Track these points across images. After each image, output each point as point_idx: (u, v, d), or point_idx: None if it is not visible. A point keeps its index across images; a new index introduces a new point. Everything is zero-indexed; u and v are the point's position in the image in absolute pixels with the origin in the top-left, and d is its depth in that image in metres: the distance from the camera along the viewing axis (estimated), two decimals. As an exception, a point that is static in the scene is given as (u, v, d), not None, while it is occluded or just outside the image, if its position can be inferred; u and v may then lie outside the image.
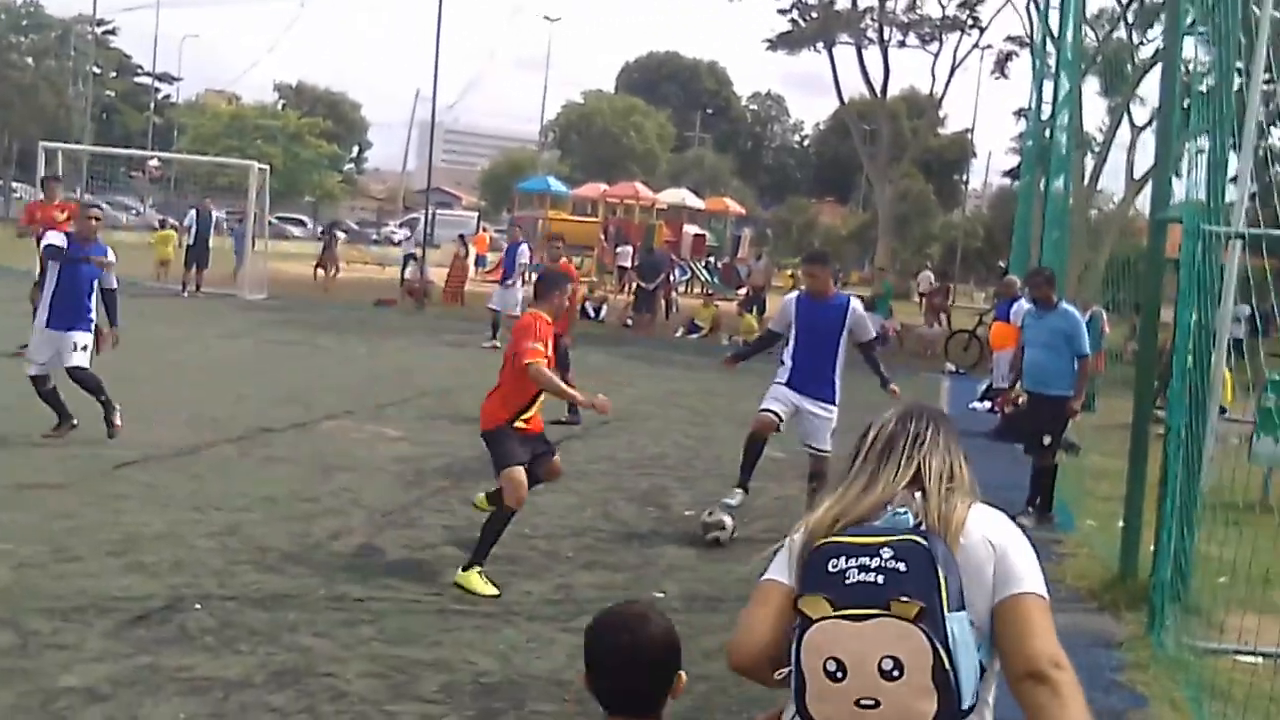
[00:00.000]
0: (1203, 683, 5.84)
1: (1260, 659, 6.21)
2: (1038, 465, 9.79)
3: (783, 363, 8.65)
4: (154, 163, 58.35)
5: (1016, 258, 21.22)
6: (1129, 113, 33.33)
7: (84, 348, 9.70)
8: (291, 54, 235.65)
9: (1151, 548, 7.07)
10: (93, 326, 9.86)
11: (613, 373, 17.41)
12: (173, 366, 14.71)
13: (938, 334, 27.73)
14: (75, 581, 6.20)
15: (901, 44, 37.47)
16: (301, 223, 61.40)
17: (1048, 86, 19.28)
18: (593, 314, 27.82)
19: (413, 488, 9.12)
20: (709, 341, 24.69)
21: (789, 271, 46.96)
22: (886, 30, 36.24)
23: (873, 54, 35.82)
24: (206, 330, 19.04)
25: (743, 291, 32.51)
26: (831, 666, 2.24)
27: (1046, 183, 18.52)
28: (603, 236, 40.20)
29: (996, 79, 40.32)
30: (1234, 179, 7.20)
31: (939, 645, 2.20)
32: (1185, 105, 7.83)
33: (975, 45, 37.97)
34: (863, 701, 2.22)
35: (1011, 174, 62.45)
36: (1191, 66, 7.87)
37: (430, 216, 34.08)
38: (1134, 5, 31.01)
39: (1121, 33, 32.20)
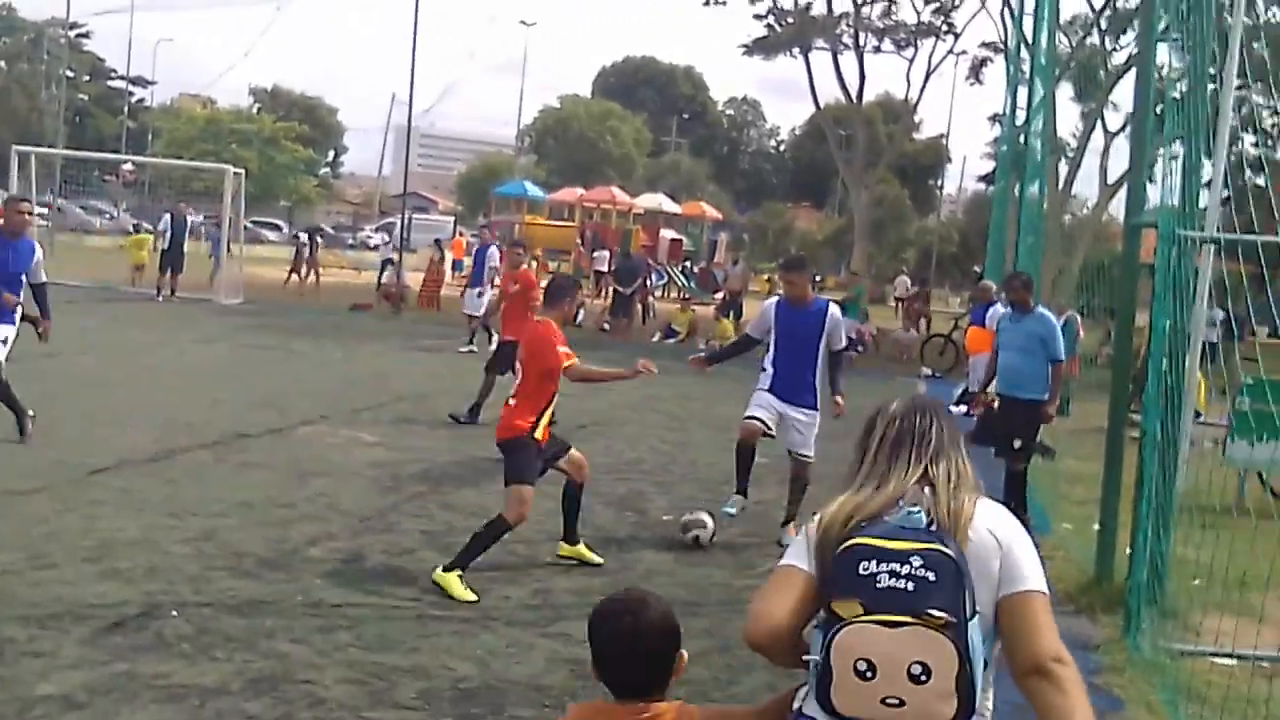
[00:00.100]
0: (1179, 685, 5.87)
1: (1236, 661, 6.25)
2: (1010, 469, 9.82)
3: (764, 369, 8.66)
4: (128, 167, 58.08)
5: (992, 263, 21.36)
6: (1102, 118, 33.53)
7: (3, 341, 9.56)
8: (267, 58, 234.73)
9: (1127, 551, 7.10)
10: (16, 320, 9.70)
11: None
12: (147, 371, 14.64)
13: (914, 338, 27.81)
14: (51, 588, 6.15)
15: (877, 49, 37.64)
16: (277, 227, 61.09)
17: (1022, 92, 19.43)
18: (570, 319, 27.79)
19: (390, 493, 9.09)
20: (686, 346, 24.71)
21: (765, 276, 47.10)
22: (862, 36, 36.39)
23: (848, 59, 36.03)
24: (181, 335, 18.94)
25: (719, 296, 32.51)
26: (862, 666, 2.38)
27: (1021, 188, 18.62)
28: (579, 241, 40.14)
29: (971, 85, 40.59)
30: (1207, 184, 7.25)
31: (963, 653, 2.35)
32: (1159, 111, 7.88)
33: (950, 51, 38.35)
34: (888, 700, 2.36)
35: (986, 179, 62.56)
36: (1165, 72, 7.92)
37: (406, 221, 33.99)
38: (1107, 11, 31.19)
39: (1095, 39, 32.42)
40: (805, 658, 2.58)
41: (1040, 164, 17.10)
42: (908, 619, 2.35)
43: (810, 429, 8.54)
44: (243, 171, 28.81)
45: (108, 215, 56.82)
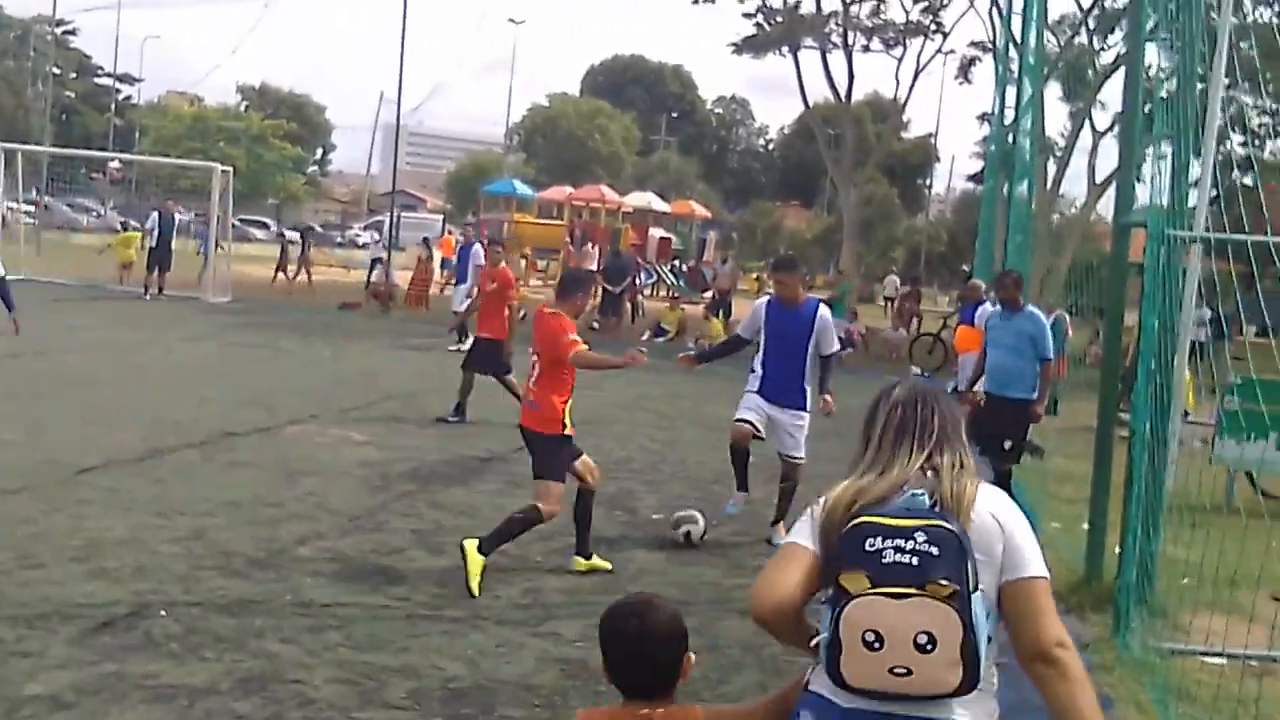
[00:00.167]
0: (1168, 684, 5.88)
1: (1225, 660, 6.27)
2: (997, 469, 9.81)
3: (754, 370, 8.65)
4: (115, 164, 57.89)
5: (980, 262, 21.37)
6: (1090, 118, 33.60)
7: None
8: (255, 56, 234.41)
9: (1116, 550, 7.12)
10: None
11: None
12: (135, 370, 14.59)
13: (902, 337, 27.88)
14: (39, 588, 6.13)
15: (866, 48, 37.66)
16: (265, 225, 60.93)
17: (1010, 91, 19.43)
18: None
19: (379, 492, 9.07)
20: (675, 345, 24.70)
21: (754, 275, 47.11)
22: (851, 35, 36.40)
23: (837, 58, 35.99)
24: (169, 333, 18.88)
25: (708, 295, 32.54)
26: (870, 638, 2.47)
27: (1010, 187, 18.66)
28: (568, 240, 40.13)
29: (960, 84, 40.73)
30: (1195, 183, 7.27)
31: (967, 623, 2.45)
32: (1147, 110, 7.89)
33: (939, 50, 38.44)
34: (896, 670, 2.46)
35: (975, 178, 62.84)
36: (1153, 72, 7.94)
37: (395, 219, 33.94)
38: (1095, 11, 31.26)
39: (1083, 38, 32.48)
40: (813, 639, 2.66)
41: (1029, 163, 17.13)
42: (913, 590, 2.45)
43: (799, 431, 8.53)
44: (230, 169, 28.71)
45: (95, 213, 56.58)
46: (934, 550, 2.48)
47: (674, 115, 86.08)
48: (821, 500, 2.81)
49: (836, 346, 8.68)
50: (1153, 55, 8.02)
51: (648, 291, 35.83)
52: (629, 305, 28.42)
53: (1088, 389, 12.66)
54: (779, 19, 37.41)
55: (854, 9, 36.27)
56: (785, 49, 37.46)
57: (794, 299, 8.54)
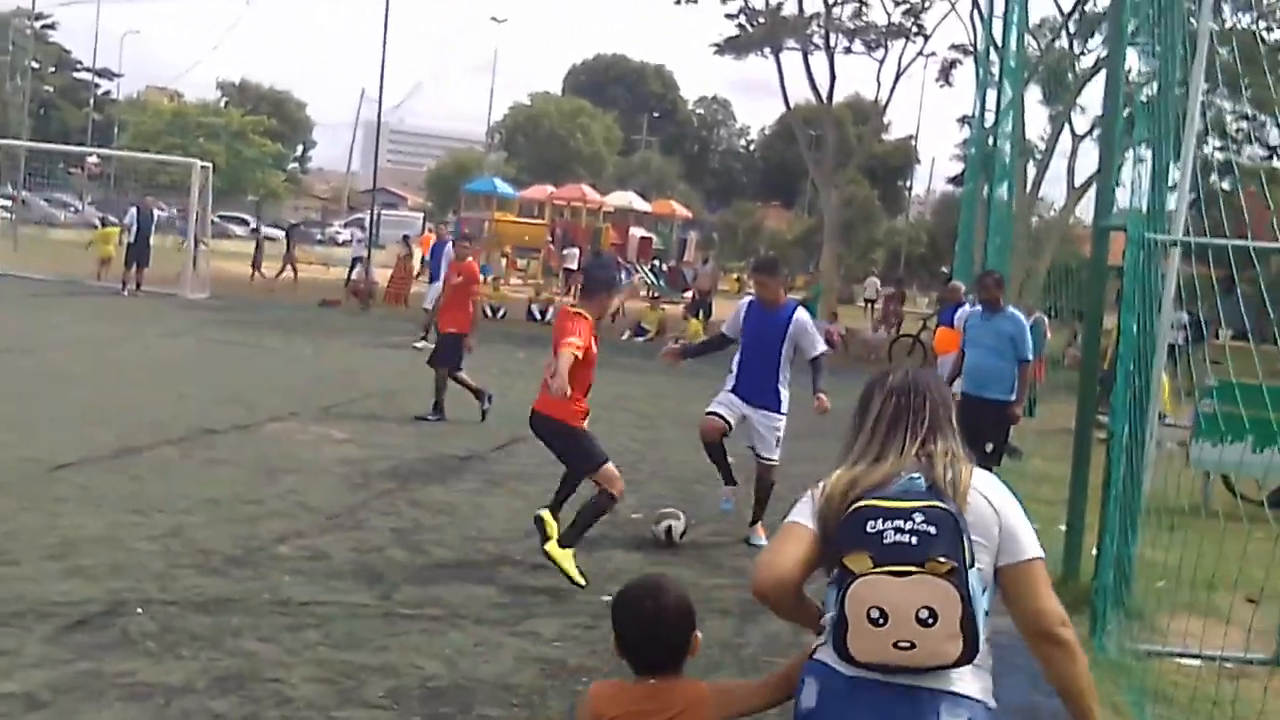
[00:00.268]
0: (1145, 686, 5.91)
1: (1201, 662, 6.30)
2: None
3: (730, 370, 8.66)
4: (93, 159, 57.50)
5: (960, 264, 21.43)
6: (1070, 121, 33.70)
7: None
8: (235, 51, 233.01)
9: (1094, 551, 7.15)
10: None
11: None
12: (112, 366, 14.51)
13: (882, 338, 27.96)
14: (13, 586, 6.08)
15: (847, 50, 37.60)
16: (244, 222, 60.70)
17: (991, 95, 19.49)
18: (539, 316, 27.81)
19: (359, 490, 9.05)
20: (655, 344, 24.70)
21: (735, 275, 47.15)
22: (832, 37, 36.36)
23: (819, 60, 35.95)
24: (147, 330, 18.79)
25: (689, 295, 32.57)
26: (875, 614, 2.60)
27: (990, 190, 18.69)
28: (549, 239, 40.12)
29: (941, 86, 40.67)
30: (1174, 188, 7.30)
31: (965, 597, 2.59)
32: (1127, 114, 7.93)
33: (920, 53, 38.35)
34: (900, 644, 2.60)
35: (955, 180, 63.02)
36: (1133, 76, 7.98)
37: (375, 217, 33.85)
38: (1075, 15, 31.35)
39: (1063, 42, 32.58)
40: (821, 618, 2.84)
41: (1009, 166, 17.19)
42: (913, 568, 2.58)
43: (772, 431, 8.49)
44: (210, 165, 28.58)
45: (72, 208, 56.33)
46: (932, 529, 2.62)
47: (656, 115, 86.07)
48: (820, 485, 2.93)
49: (822, 348, 8.55)
50: (1133, 60, 8.06)
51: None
52: (609, 304, 28.39)
53: (1066, 391, 12.72)
54: (761, 20, 37.40)
55: (836, 11, 36.29)
56: (767, 50, 37.43)
57: (774, 301, 8.53)
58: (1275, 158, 35.07)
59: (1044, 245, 32.42)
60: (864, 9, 37.07)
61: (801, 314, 8.56)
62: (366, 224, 34.51)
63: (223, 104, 73.49)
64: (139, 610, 5.90)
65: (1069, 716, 2.86)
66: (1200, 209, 6.89)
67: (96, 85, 72.76)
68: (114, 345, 16.60)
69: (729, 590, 7.12)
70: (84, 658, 5.23)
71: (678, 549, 8.14)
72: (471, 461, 10.57)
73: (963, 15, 38.84)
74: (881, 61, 37.44)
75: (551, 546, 6.97)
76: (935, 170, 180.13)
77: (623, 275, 34.36)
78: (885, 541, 2.63)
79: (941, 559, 2.58)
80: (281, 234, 34.27)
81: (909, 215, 69.26)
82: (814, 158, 37.24)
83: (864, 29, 37.60)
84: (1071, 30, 31.96)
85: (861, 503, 2.73)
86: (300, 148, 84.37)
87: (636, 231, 42.59)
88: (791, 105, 37.75)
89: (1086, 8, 31.11)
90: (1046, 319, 17.72)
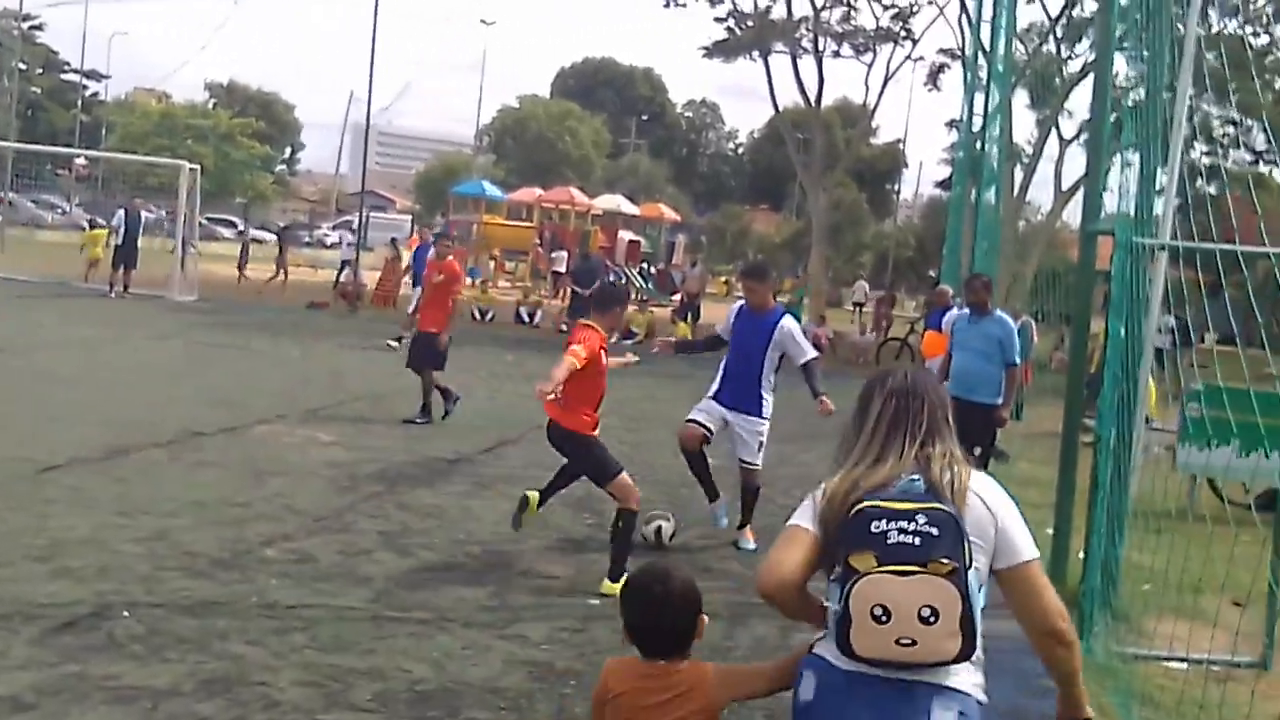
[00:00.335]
0: (1131, 689, 5.93)
1: (1188, 665, 6.32)
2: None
3: (716, 374, 8.66)
4: (81, 161, 57.38)
5: (948, 268, 21.46)
6: (1057, 126, 33.76)
7: None
8: (224, 53, 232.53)
9: (1081, 555, 7.16)
10: None
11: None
12: (100, 368, 14.46)
13: (870, 342, 28.00)
14: (0, 587, 6.07)
15: (836, 54, 37.60)
16: (232, 224, 60.52)
17: (979, 99, 19.53)
18: (527, 319, 27.83)
19: (346, 493, 9.03)
20: (643, 348, 24.70)
21: (723, 279, 47.15)
22: (821, 40, 36.36)
23: (807, 63, 35.91)
24: (135, 332, 18.74)
25: (677, 298, 32.57)
26: (878, 612, 2.68)
27: (977, 194, 18.75)
28: (538, 241, 40.11)
29: (929, 90, 40.74)
30: (1160, 192, 7.33)
31: (965, 596, 2.69)
32: (1115, 119, 7.96)
33: (908, 57, 38.27)
34: (901, 640, 2.68)
35: (943, 184, 63.19)
36: (1120, 81, 8.00)
37: (364, 219, 33.79)
38: (1063, 20, 31.42)
39: (1050, 47, 32.64)
40: (825, 605, 2.93)
41: (996, 170, 17.24)
42: (916, 568, 2.67)
43: (754, 436, 8.46)
44: (198, 167, 28.50)
45: (60, 210, 56.11)
46: (934, 531, 2.70)
47: (644, 118, 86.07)
48: (821, 487, 3.01)
49: (811, 353, 8.49)
50: (1120, 65, 8.08)
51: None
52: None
53: (1053, 394, 12.75)
54: (749, 24, 37.41)
55: (824, 15, 36.30)
56: (756, 54, 37.42)
57: (762, 306, 8.51)
58: (1261, 162, 35.21)
59: (1031, 249, 32.48)
60: (852, 13, 37.13)
61: (787, 321, 8.51)
62: (355, 226, 34.47)
63: (211, 106, 73.26)
64: (125, 613, 5.89)
65: (1058, 698, 3.08)
66: (1188, 213, 6.93)
67: (84, 86, 72.47)
68: (102, 347, 16.55)
69: (717, 594, 7.11)
70: (70, 660, 5.22)
71: (667, 551, 8.13)
72: (459, 464, 10.56)
73: (951, 20, 38.94)
74: (870, 65, 37.49)
75: (605, 586, 6.97)
76: (923, 174, 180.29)
77: (610, 278, 34.39)
78: (889, 542, 2.71)
79: (943, 560, 2.67)
80: (270, 236, 34.12)
81: (897, 219, 69.32)
82: (802, 161, 37.22)
83: (852, 33, 37.65)
84: (1059, 35, 32.04)
85: (864, 504, 2.80)
86: (288, 150, 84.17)
87: (625, 234, 42.57)
88: (780, 109, 37.72)
89: (1074, 13, 31.19)
90: (1034, 322, 17.76)
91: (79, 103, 68.76)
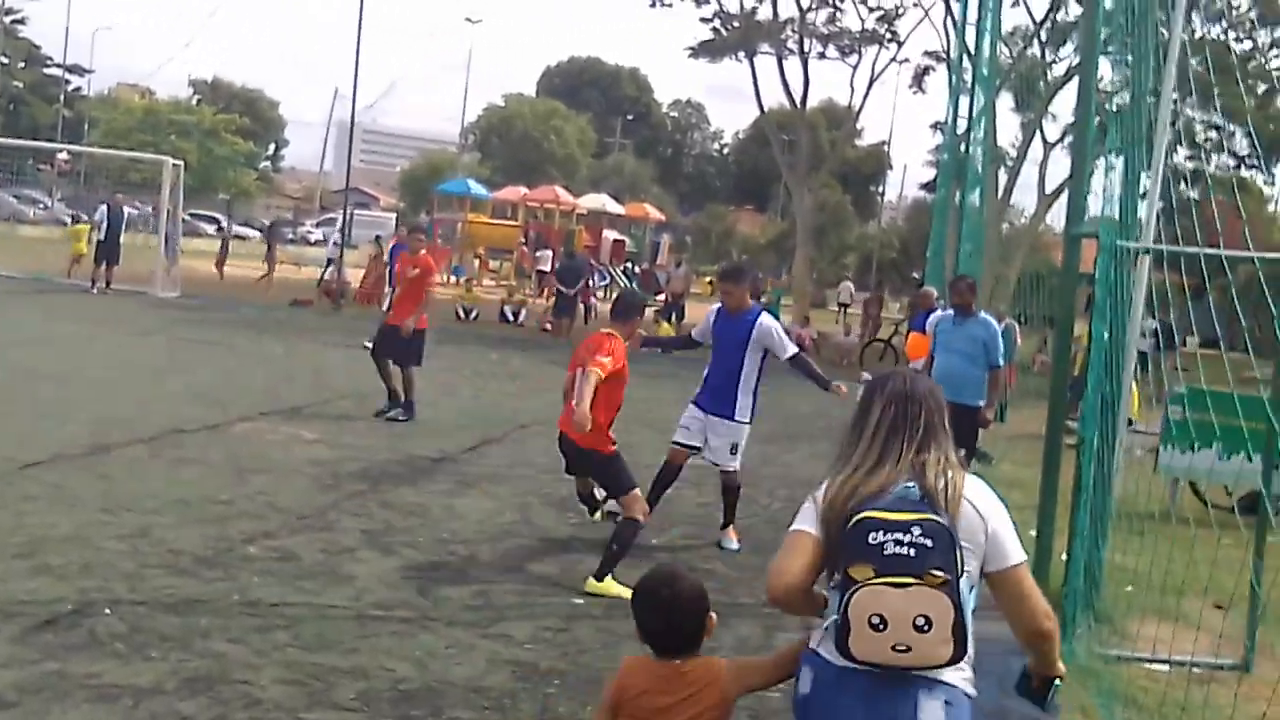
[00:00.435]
0: (1114, 691, 5.95)
1: (1170, 668, 6.34)
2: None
3: (701, 378, 8.65)
4: (63, 156, 57.05)
5: (932, 269, 21.52)
6: (1041, 129, 33.88)
7: None
8: (208, 49, 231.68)
9: (1064, 556, 7.18)
10: None
11: (532, 376, 17.37)
12: (82, 364, 14.40)
13: (854, 343, 28.05)
14: (-21, 585, 6.03)
15: (821, 56, 37.71)
16: (215, 220, 60.28)
17: (964, 101, 19.58)
18: (512, 318, 27.79)
19: (329, 491, 9.00)
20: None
21: (708, 279, 47.15)
22: (807, 42, 36.44)
23: (793, 65, 36.00)
24: (117, 328, 18.66)
25: (661, 298, 32.58)
26: (875, 620, 2.82)
27: (962, 196, 18.80)
28: (522, 240, 40.09)
29: (914, 93, 40.91)
30: (1144, 195, 7.35)
31: (957, 605, 2.83)
32: (1099, 122, 7.98)
33: (893, 59, 38.37)
34: (897, 647, 2.83)
35: (927, 186, 63.40)
36: (1104, 85, 8.03)
37: (348, 217, 33.70)
38: (1047, 24, 31.54)
39: (1035, 50, 32.74)
40: (823, 614, 3.06)
41: (981, 172, 17.29)
42: (911, 580, 2.80)
43: (727, 439, 8.42)
44: (182, 163, 28.38)
45: (42, 205, 55.80)
46: (928, 543, 2.83)
47: (629, 118, 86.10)
48: (821, 488, 3.14)
49: (793, 349, 8.41)
50: (1105, 68, 8.11)
51: (601, 293, 35.79)
52: (582, 307, 28.42)
53: (1036, 396, 12.79)
54: (735, 24, 37.47)
55: (810, 16, 36.38)
56: (741, 54, 37.48)
57: (739, 307, 8.46)
58: (1244, 166, 35.41)
59: (1015, 252, 32.58)
60: (838, 15, 37.22)
61: (765, 319, 8.44)
62: (339, 224, 34.36)
63: (195, 102, 73.01)
64: (107, 610, 5.86)
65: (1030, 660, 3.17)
66: (1172, 217, 6.95)
67: (67, 81, 72.16)
68: (84, 343, 16.48)
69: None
70: (51, 658, 5.19)
71: (650, 553, 8.12)
72: (443, 463, 10.54)
73: (936, 22, 38.98)
74: (855, 67, 37.62)
75: (590, 584, 7.01)
76: (907, 176, 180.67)
77: (596, 277, 34.37)
78: (886, 553, 2.84)
79: (936, 571, 2.80)
80: (253, 233, 34.00)
81: (881, 220, 69.52)
82: (787, 162, 37.29)
83: (838, 34, 37.76)
84: (1043, 38, 32.16)
85: (862, 514, 2.92)
86: (272, 146, 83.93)
87: (610, 234, 42.60)
88: (765, 110, 37.83)
89: (1058, 16, 31.32)
90: (1017, 325, 17.81)
91: (62, 97, 68.49)
